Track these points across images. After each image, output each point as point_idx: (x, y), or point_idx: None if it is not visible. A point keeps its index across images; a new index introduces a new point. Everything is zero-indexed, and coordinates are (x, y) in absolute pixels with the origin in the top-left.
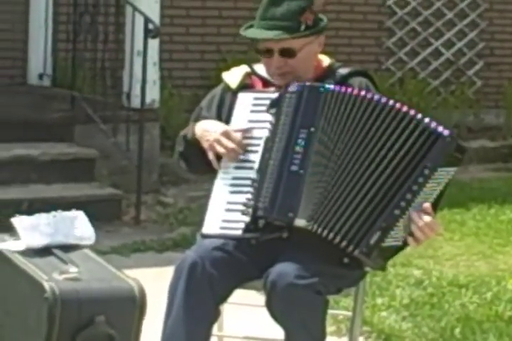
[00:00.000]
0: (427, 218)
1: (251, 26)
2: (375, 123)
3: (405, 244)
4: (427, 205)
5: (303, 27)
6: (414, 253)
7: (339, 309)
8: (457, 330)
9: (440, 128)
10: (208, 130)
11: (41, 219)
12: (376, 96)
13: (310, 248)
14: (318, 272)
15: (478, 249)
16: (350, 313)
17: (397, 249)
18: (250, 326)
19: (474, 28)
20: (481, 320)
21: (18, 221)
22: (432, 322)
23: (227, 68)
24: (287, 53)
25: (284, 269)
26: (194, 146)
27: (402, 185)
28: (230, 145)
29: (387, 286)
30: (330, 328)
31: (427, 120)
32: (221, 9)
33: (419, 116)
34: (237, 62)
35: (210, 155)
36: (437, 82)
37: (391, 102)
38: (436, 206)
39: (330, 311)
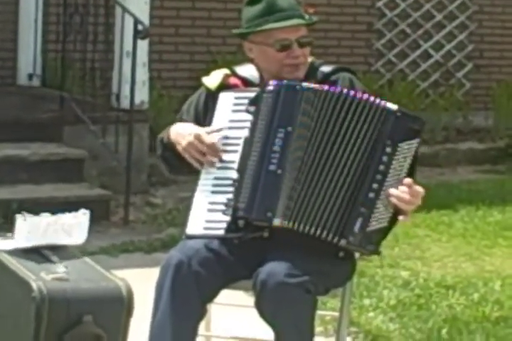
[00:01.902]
0: (404, 188)
1: (257, 25)
2: (345, 116)
3: (392, 224)
4: (407, 179)
5: (308, 17)
6: (402, 254)
7: (326, 310)
8: (444, 331)
9: (388, 104)
10: (181, 133)
11: (43, 219)
12: (345, 90)
13: (297, 246)
14: (308, 270)
15: (465, 250)
16: (337, 314)
17: (386, 230)
18: (238, 326)
19: (463, 30)
20: (468, 321)
21: (21, 218)
22: (419, 323)
23: (217, 69)
24: (305, 42)
25: (274, 268)
26: (171, 149)
27: (369, 168)
28: (203, 148)
29: (375, 287)
30: (317, 329)
31: (371, 99)
32: (211, 10)
33: (365, 96)
34: (227, 63)
35: (188, 158)
36: (426, 83)
37: (358, 95)
38: (412, 175)
39: (317, 312)
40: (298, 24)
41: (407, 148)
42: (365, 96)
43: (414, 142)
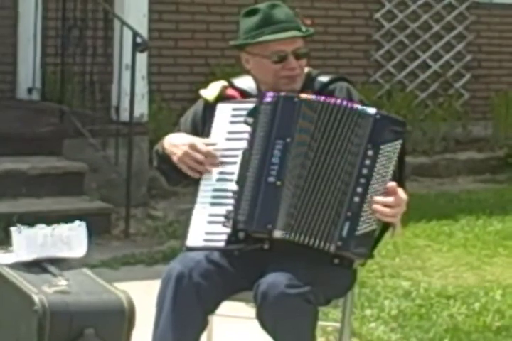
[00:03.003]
0: (386, 200)
1: (254, 37)
2: (338, 125)
3: (385, 227)
4: (391, 184)
5: (304, 29)
6: (403, 264)
7: (328, 320)
8: None
9: (366, 108)
10: (175, 144)
11: (39, 231)
12: (339, 101)
13: (297, 256)
14: (309, 281)
15: (466, 260)
16: (339, 325)
17: (379, 234)
18: (240, 338)
19: (461, 41)
20: (469, 331)
21: (16, 231)
22: (421, 333)
23: (215, 81)
24: (301, 54)
25: (275, 279)
26: (166, 161)
27: (352, 172)
28: (199, 157)
29: (376, 298)
30: (319, 340)
31: (349, 104)
32: (209, 23)
33: (344, 103)
34: (226, 76)
35: (184, 168)
36: (425, 94)
37: (349, 104)
38: (401, 178)
39: (319, 322)
40: (294, 36)
41: (390, 150)
42: (347, 102)
43: (397, 143)
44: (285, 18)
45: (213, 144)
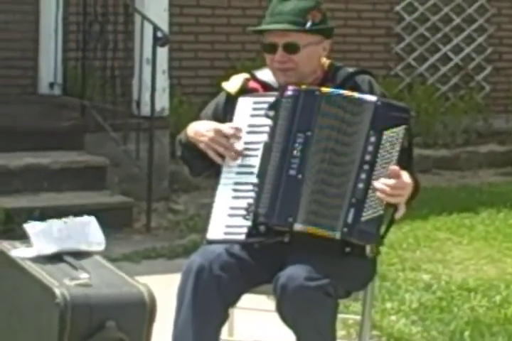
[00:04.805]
0: (389, 181)
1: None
2: (350, 117)
3: (393, 213)
4: (393, 167)
5: (309, 24)
6: (423, 257)
7: (349, 313)
8: (466, 334)
9: (367, 97)
10: (200, 131)
11: (53, 225)
12: (350, 93)
13: (317, 249)
14: (328, 273)
15: (487, 252)
16: (359, 317)
17: (389, 221)
18: (261, 331)
19: (482, 33)
20: (490, 323)
21: (31, 227)
22: (442, 326)
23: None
24: (291, 48)
25: (294, 272)
26: (191, 149)
27: (355, 158)
28: (225, 142)
29: (397, 291)
30: (340, 332)
31: (353, 94)
32: (230, 17)
33: (352, 93)
34: (246, 69)
35: (211, 154)
36: (446, 87)
37: (353, 94)
38: (409, 164)
39: (340, 315)
40: (279, 29)
41: (393, 136)
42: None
43: (401, 129)
44: (289, 10)
45: (238, 129)
